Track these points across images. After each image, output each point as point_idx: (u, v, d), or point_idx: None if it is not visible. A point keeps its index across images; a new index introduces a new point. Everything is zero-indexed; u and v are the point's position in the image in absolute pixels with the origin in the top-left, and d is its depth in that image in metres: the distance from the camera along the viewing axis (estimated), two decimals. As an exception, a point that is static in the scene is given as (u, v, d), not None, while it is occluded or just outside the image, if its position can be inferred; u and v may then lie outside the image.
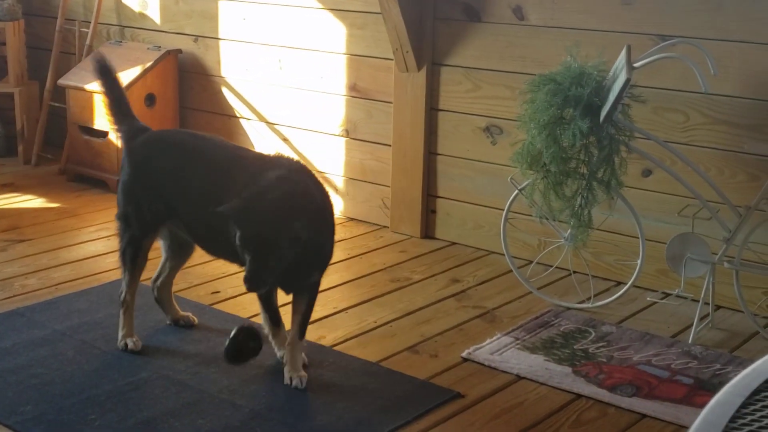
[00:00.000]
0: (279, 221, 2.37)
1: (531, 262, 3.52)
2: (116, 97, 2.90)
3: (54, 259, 3.63)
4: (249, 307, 3.15)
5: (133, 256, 2.83)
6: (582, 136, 2.89)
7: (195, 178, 2.73)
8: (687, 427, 2.44)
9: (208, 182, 2.68)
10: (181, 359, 2.83)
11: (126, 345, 2.84)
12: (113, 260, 3.59)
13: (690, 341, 2.95)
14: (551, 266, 3.44)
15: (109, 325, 2.99)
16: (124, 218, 2.83)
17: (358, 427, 2.46)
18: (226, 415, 2.49)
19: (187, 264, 3.08)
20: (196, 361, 2.81)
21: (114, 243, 3.76)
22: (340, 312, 3.21)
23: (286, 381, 2.65)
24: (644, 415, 2.53)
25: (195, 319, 3.06)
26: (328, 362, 2.82)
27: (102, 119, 4.46)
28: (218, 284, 3.44)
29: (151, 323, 3.07)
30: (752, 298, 3.09)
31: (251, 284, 2.41)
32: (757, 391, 0.90)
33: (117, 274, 3.49)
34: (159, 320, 3.07)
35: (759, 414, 0.83)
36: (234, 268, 3.62)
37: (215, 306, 3.25)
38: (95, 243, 3.85)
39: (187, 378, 2.71)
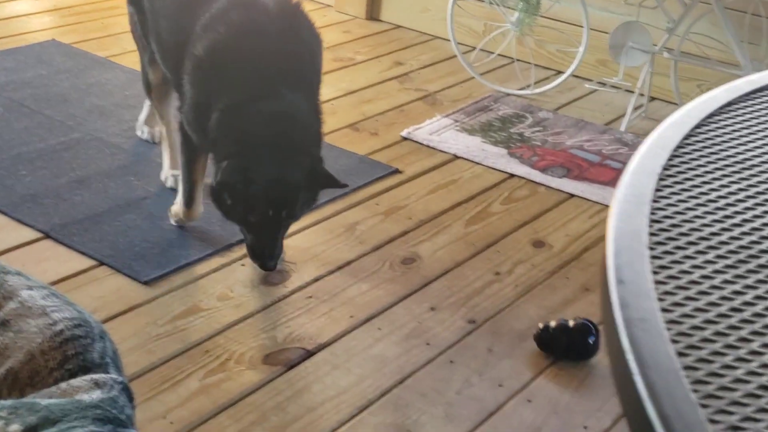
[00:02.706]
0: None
1: (475, 48, 3.49)
2: None
3: (-23, 17, 3.46)
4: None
5: (146, 86, 2.49)
6: None
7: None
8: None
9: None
10: (115, 122, 2.78)
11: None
12: (41, 21, 3.46)
13: (623, 129, 3.01)
14: (495, 53, 3.42)
15: (39, 85, 2.90)
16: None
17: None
18: (162, 180, 2.49)
19: (125, 29, 2.96)
20: (132, 126, 2.76)
21: (41, 3, 3.60)
22: (278, 87, 3.16)
23: None
24: (572, 195, 2.61)
25: None
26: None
27: None
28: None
29: (84, 84, 2.98)
30: (687, 90, 3.13)
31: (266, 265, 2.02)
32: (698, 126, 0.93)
33: (46, 36, 3.37)
34: (92, 83, 2.99)
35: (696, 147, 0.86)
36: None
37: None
38: (21, 2, 3.65)
39: (122, 141, 2.68)
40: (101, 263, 2.12)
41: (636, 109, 3.06)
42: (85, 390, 1.35)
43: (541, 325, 1.96)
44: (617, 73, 3.09)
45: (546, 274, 2.25)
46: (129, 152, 2.62)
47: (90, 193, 2.39)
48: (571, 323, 1.93)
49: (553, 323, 1.95)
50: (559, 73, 3.40)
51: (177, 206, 2.28)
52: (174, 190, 2.44)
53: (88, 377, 1.38)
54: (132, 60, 3.26)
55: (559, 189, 2.63)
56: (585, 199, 2.60)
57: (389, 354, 1.93)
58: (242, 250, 2.23)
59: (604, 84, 3.23)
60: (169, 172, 2.46)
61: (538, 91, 3.25)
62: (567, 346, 1.92)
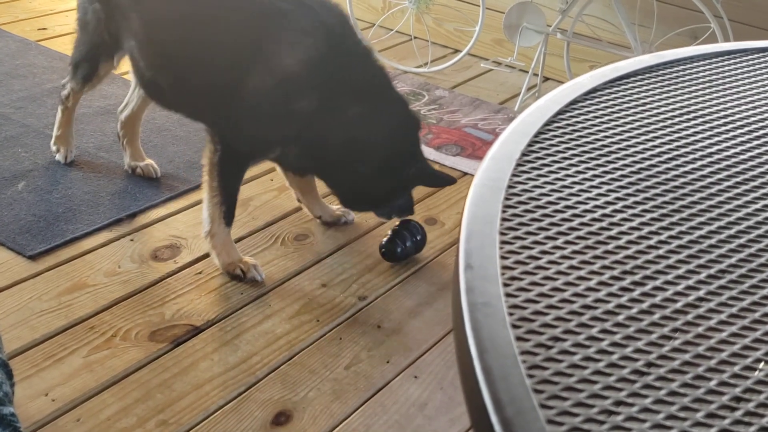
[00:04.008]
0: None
1: (374, 24, 3.50)
2: None
3: None
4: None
5: (85, 75, 2.30)
6: None
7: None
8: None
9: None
10: (4, 92, 2.69)
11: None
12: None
13: (516, 108, 3.07)
14: (393, 30, 3.43)
15: None
16: (80, 21, 2.26)
17: (189, 169, 2.46)
18: (52, 150, 2.42)
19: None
20: (21, 96, 2.69)
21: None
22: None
23: None
24: (465, 173, 2.66)
25: (157, 169, 2.41)
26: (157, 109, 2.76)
27: None
28: (46, 20, 3.24)
29: (-33, 53, 2.87)
30: (579, 71, 3.21)
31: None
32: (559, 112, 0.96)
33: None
34: (-24, 51, 2.88)
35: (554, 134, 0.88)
36: (64, 4, 3.42)
37: (42, 42, 3.08)
38: None
39: (10, 112, 2.60)
40: (-17, 238, 2.06)
41: (530, 89, 3.12)
42: (-41, 368, 1.32)
43: (383, 241, 2.20)
44: (512, 53, 3.15)
45: (436, 251, 2.28)
46: (17, 123, 2.54)
47: (-27, 165, 2.32)
48: (400, 227, 2.21)
49: (389, 233, 2.20)
50: (456, 51, 3.44)
51: (212, 237, 2.06)
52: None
53: (-38, 355, 1.35)
54: (23, 29, 3.17)
55: (452, 167, 2.67)
56: (478, 177, 2.64)
57: (279, 330, 1.93)
58: (131, 225, 2.20)
59: (499, 63, 3.28)
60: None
61: (435, 69, 3.28)
62: (408, 248, 2.20)
